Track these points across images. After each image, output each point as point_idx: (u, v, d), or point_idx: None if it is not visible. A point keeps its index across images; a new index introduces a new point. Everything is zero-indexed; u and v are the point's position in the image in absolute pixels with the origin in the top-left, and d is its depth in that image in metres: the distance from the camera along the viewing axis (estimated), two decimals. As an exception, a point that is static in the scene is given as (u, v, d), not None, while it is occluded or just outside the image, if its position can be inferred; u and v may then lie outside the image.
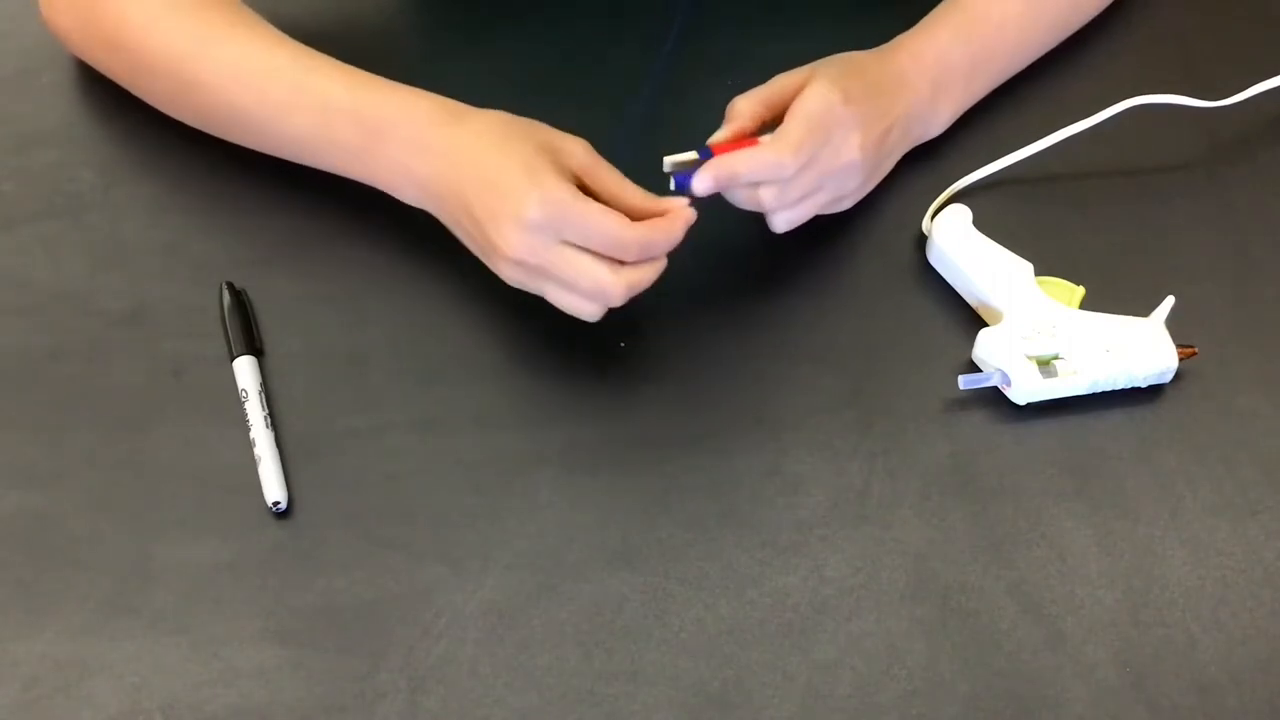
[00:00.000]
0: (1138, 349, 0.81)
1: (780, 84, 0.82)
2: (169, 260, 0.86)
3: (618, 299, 0.76)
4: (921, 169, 0.90)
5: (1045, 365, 0.81)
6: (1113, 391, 0.82)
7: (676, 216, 0.76)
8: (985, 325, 0.83)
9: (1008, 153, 0.89)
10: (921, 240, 0.87)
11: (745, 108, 0.81)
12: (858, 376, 0.83)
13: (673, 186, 0.79)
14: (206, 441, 0.79)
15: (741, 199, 0.81)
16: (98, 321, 0.84)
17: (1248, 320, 0.86)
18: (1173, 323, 0.82)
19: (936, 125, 0.90)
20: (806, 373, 0.83)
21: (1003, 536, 0.78)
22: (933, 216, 0.87)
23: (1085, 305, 0.83)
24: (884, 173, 0.87)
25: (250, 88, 0.82)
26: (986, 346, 0.81)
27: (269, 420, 0.79)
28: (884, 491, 0.79)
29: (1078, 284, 0.84)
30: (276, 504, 0.77)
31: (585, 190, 0.76)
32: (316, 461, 0.79)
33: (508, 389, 0.82)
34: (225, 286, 0.84)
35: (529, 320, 0.83)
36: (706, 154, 0.79)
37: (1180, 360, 0.82)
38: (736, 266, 0.87)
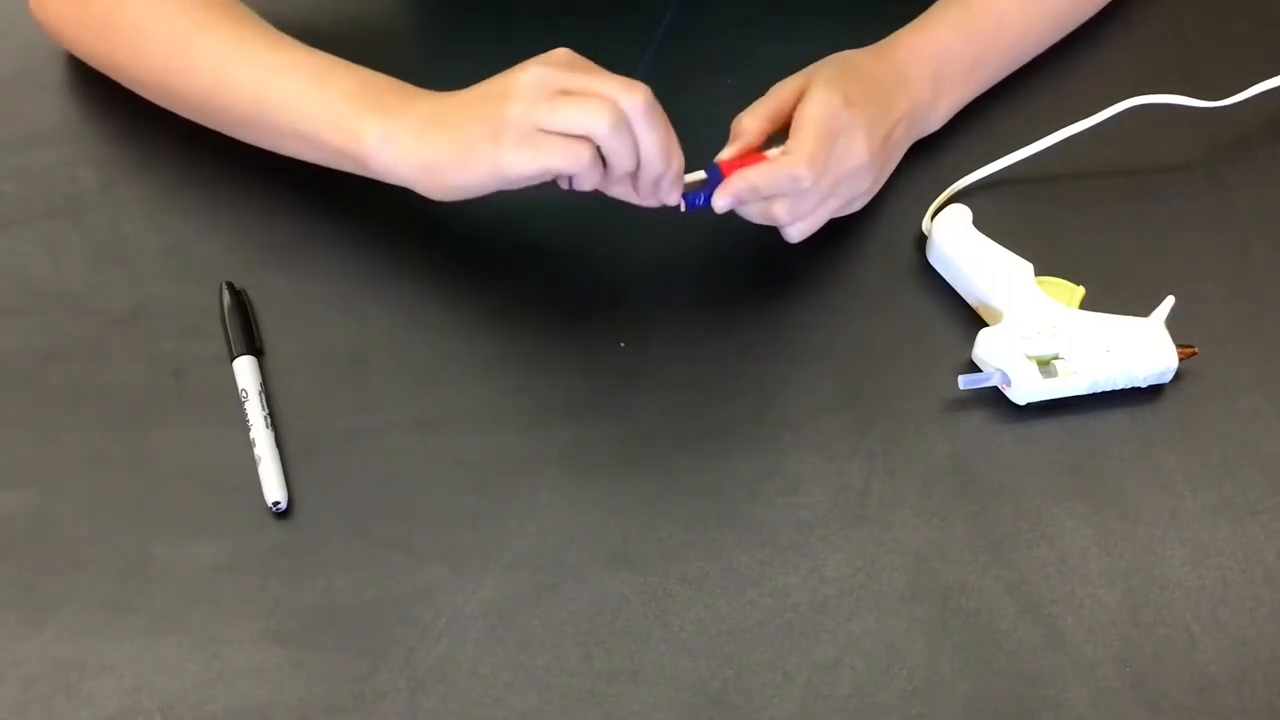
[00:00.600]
0: (1138, 349, 0.81)
1: (780, 95, 0.82)
2: (169, 260, 0.86)
3: (641, 99, 0.73)
4: (921, 169, 0.90)
5: (1045, 365, 0.81)
6: (1113, 391, 0.82)
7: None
8: (985, 325, 0.83)
9: (1008, 153, 0.89)
10: (921, 240, 0.87)
11: (750, 124, 0.81)
12: (858, 376, 0.83)
13: (683, 208, 0.79)
14: (206, 441, 0.79)
15: (755, 214, 0.81)
16: (98, 321, 0.84)
17: (1248, 320, 0.86)
18: (1173, 323, 0.82)
19: (936, 120, 0.90)
20: (806, 373, 0.83)
21: (1003, 536, 0.78)
22: (933, 216, 0.87)
23: (1085, 305, 0.83)
24: (890, 171, 0.87)
25: (239, 76, 0.82)
26: (986, 346, 0.81)
27: (269, 420, 0.79)
28: (884, 491, 0.79)
29: (1078, 284, 0.84)
30: (276, 504, 0.77)
31: None
32: (316, 461, 0.79)
33: (508, 389, 0.82)
34: (225, 286, 0.84)
35: (529, 320, 0.83)
36: (715, 172, 0.79)
37: (1180, 360, 0.82)
38: (737, 267, 0.87)
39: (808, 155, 0.78)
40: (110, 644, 0.73)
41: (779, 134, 0.81)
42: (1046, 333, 0.81)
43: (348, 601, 0.75)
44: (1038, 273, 0.84)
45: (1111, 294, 0.84)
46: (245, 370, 0.81)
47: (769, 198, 0.79)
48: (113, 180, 0.89)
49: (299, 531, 0.77)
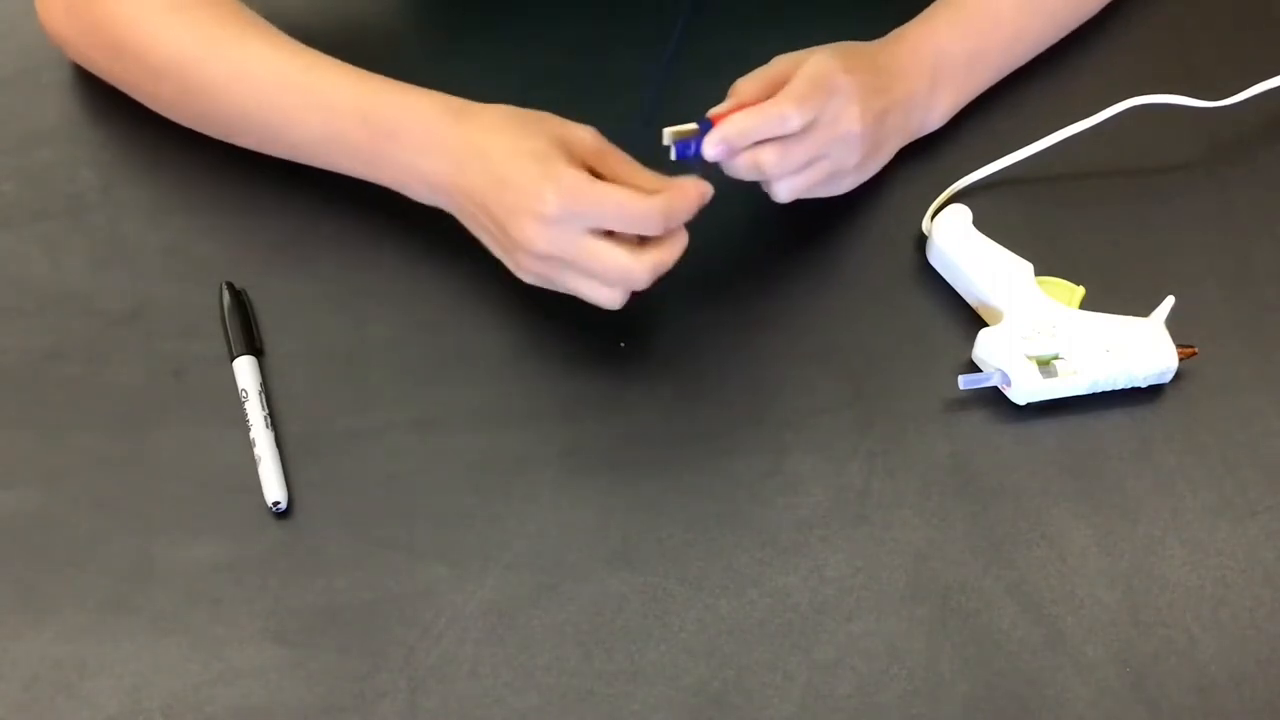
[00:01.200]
0: (1138, 349, 0.81)
1: (781, 65, 0.82)
2: (169, 260, 0.86)
3: (643, 281, 0.76)
4: (921, 169, 0.90)
5: (1045, 365, 0.81)
6: (1113, 391, 0.82)
7: (692, 185, 0.76)
8: (985, 325, 0.83)
9: (1008, 153, 0.89)
10: (921, 240, 0.87)
11: (747, 88, 0.81)
12: (858, 376, 0.83)
13: (673, 156, 0.78)
14: (206, 441, 0.79)
15: (742, 166, 0.80)
16: (98, 321, 0.84)
17: (1248, 320, 0.86)
18: (1173, 323, 0.82)
19: (935, 117, 0.90)
20: (806, 373, 0.83)
21: (1003, 536, 0.78)
22: (933, 216, 0.87)
23: (1085, 305, 0.83)
24: (883, 158, 0.87)
25: (257, 92, 0.82)
26: (986, 346, 0.81)
27: (269, 420, 0.79)
28: (884, 491, 0.79)
29: (1078, 284, 0.84)
30: (276, 504, 0.77)
31: (597, 177, 0.76)
32: (316, 461, 0.79)
33: (508, 389, 0.82)
34: (225, 286, 0.84)
35: (529, 320, 0.83)
36: (706, 125, 0.78)
37: (1180, 360, 0.82)
38: (737, 267, 0.87)
39: (797, 96, 0.78)
40: (110, 644, 0.73)
41: None
42: (1046, 333, 0.81)
43: (348, 601, 0.75)
44: (1038, 273, 0.84)
45: (1111, 294, 0.84)
46: (245, 370, 0.81)
47: (759, 143, 0.79)
48: (113, 180, 0.89)
49: (299, 531, 0.77)
